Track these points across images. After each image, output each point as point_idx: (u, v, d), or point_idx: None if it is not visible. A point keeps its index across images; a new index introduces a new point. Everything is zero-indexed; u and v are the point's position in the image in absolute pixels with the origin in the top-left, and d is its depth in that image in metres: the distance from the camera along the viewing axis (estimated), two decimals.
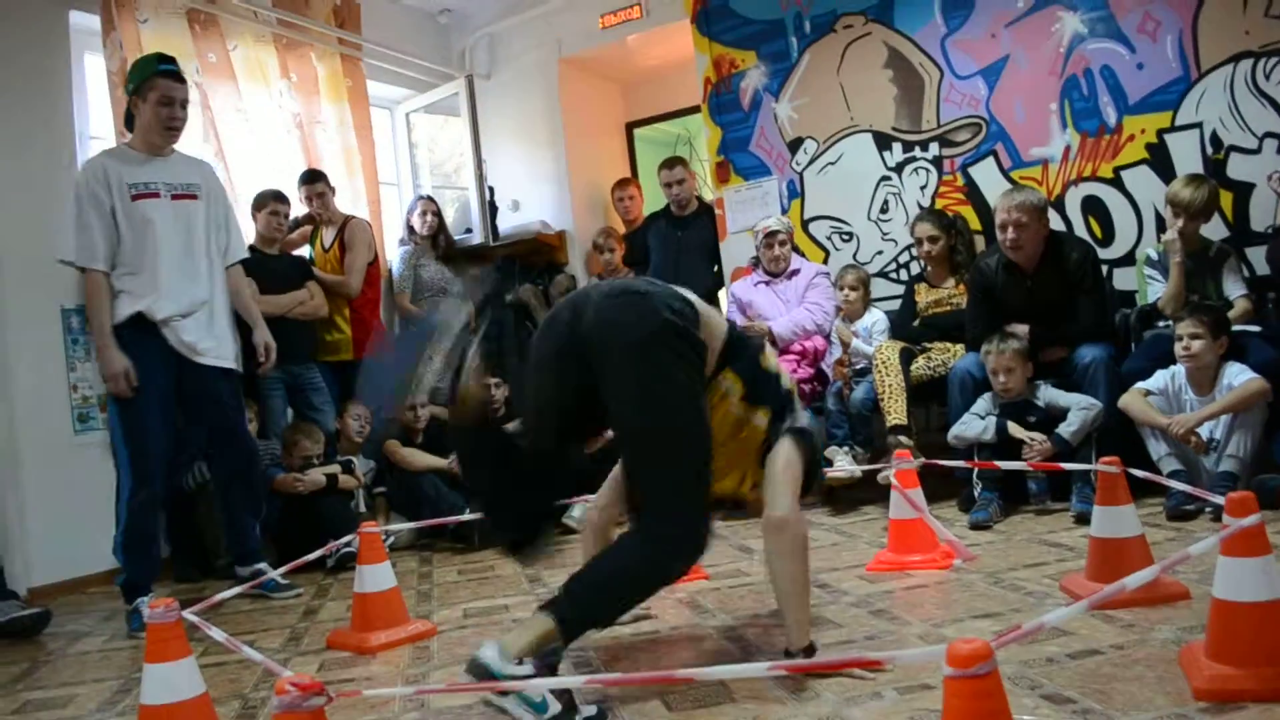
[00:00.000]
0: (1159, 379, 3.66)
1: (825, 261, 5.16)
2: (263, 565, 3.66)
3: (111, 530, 3.64)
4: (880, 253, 5.10)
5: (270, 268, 4.62)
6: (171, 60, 3.52)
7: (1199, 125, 4.29)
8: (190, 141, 4.84)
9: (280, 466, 4.32)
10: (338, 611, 3.36)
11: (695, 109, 5.82)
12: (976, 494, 3.78)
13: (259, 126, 5.16)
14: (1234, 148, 4.23)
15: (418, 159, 6.55)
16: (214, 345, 3.57)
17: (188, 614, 2.12)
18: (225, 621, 3.20)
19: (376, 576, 2.86)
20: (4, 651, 3.25)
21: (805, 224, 5.28)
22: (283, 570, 3.13)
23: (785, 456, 2.28)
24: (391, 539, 4.28)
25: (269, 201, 4.70)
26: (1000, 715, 1.27)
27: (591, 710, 1.96)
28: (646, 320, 2.15)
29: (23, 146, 4.18)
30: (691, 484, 2.14)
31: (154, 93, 3.42)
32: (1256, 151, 4.18)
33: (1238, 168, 4.22)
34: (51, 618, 3.51)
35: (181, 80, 3.51)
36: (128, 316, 3.38)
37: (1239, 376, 3.47)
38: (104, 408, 4.26)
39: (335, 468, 4.42)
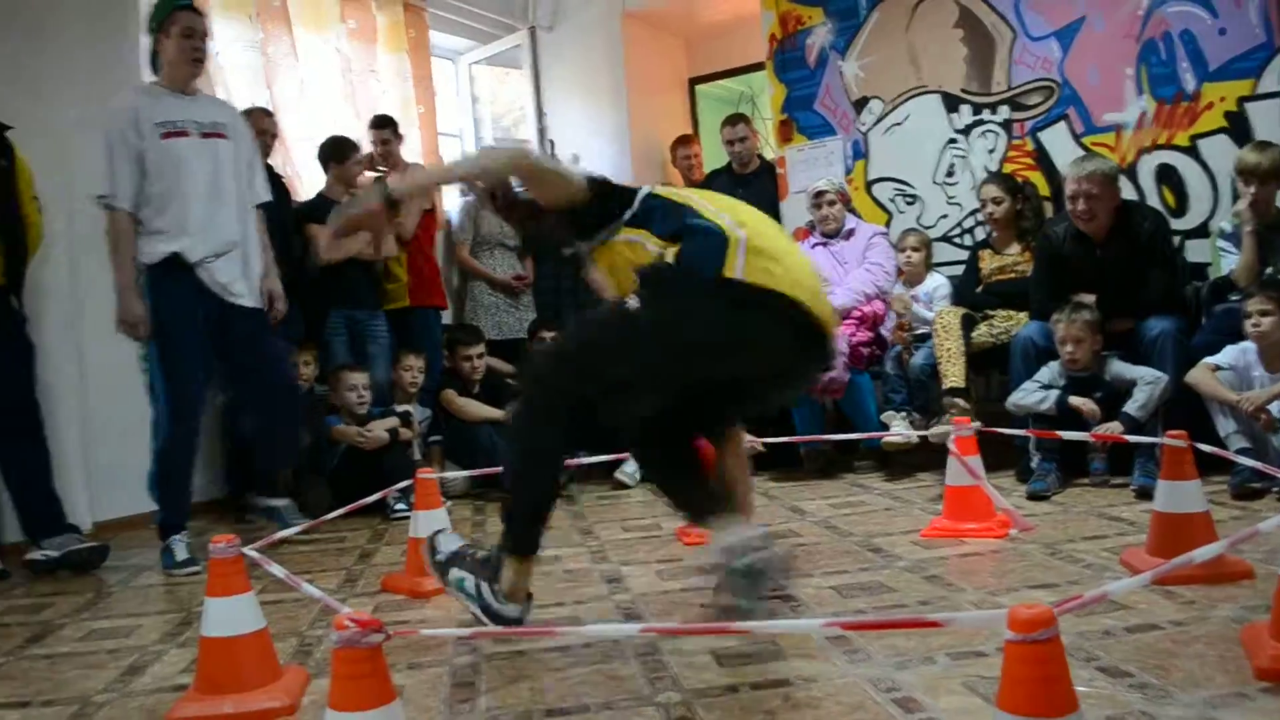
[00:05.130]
0: (1228, 354, 3.56)
1: (888, 224, 5.08)
2: (276, 501, 3.78)
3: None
4: (945, 217, 5.00)
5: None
6: None
7: None
8: (244, 86, 4.87)
9: (337, 414, 4.36)
10: (392, 556, 3.41)
11: (759, 66, 5.72)
12: (1034, 464, 3.73)
13: (310, 74, 5.16)
14: None
15: (479, 111, 6.54)
16: (249, 286, 3.56)
17: (248, 550, 2.16)
18: (283, 560, 3.23)
19: (431, 522, 2.89)
20: (68, 583, 3.35)
21: (869, 185, 5.20)
22: (338, 513, 3.14)
23: None
24: (449, 504, 4.28)
25: (349, 152, 4.72)
26: (1060, 682, 1.25)
27: None
28: None
29: (93, 85, 4.09)
30: None
31: (176, 26, 3.43)
32: None
33: None
34: (110, 552, 3.56)
35: (200, 14, 3.55)
36: (162, 257, 3.38)
37: None
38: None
39: (394, 421, 4.45)
